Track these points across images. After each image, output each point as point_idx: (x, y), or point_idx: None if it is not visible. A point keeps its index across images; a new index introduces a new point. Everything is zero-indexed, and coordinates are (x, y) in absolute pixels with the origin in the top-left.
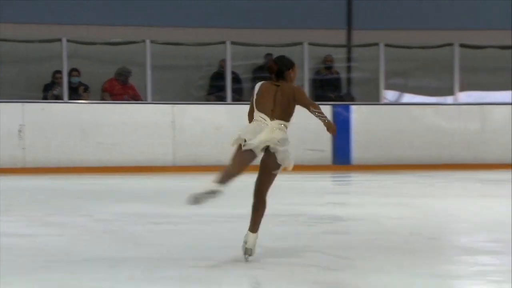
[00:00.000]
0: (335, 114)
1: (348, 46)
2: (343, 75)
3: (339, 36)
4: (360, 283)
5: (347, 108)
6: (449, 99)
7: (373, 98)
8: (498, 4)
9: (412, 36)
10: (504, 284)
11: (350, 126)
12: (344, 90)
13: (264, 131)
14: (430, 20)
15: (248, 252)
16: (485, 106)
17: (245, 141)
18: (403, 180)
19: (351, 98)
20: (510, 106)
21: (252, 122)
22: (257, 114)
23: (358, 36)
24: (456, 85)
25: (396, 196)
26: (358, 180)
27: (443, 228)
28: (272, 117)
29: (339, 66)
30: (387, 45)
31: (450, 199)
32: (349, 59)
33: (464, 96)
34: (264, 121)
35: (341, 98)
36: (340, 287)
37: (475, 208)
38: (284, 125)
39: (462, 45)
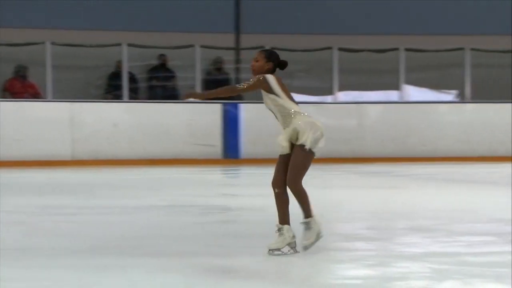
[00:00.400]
0: (225, 112)
1: (237, 49)
2: (232, 76)
3: (229, 39)
4: (248, 268)
5: (236, 106)
6: (329, 98)
7: (260, 97)
8: (370, 9)
9: (296, 40)
10: (377, 267)
11: (239, 123)
12: None
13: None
14: (312, 25)
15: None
16: (361, 104)
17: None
18: None
19: (240, 97)
20: (383, 104)
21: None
22: (298, 108)
23: (246, 40)
24: (335, 86)
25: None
26: (247, 173)
27: (324, 217)
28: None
29: (229, 67)
30: (273, 48)
31: (332, 190)
32: (238, 61)
33: (343, 96)
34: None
35: (230, 97)
36: (231, 273)
37: (353, 198)
38: None
39: (341, 49)
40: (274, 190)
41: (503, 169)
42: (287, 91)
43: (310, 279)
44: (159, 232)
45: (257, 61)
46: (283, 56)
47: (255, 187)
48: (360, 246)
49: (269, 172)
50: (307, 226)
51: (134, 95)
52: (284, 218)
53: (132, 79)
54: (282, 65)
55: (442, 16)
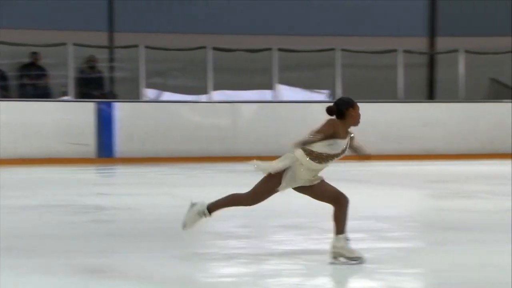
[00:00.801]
0: (98, 111)
1: (110, 47)
2: (106, 74)
3: (102, 38)
4: (123, 267)
5: (110, 105)
6: (203, 97)
7: (135, 96)
8: (244, 9)
9: (170, 39)
10: (251, 265)
11: (113, 122)
12: (107, 88)
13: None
14: (186, 24)
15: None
16: (235, 104)
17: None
18: (164, 171)
19: (114, 96)
20: (257, 104)
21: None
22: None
23: (120, 38)
24: (210, 85)
25: (157, 187)
26: (121, 172)
27: None
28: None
29: (102, 66)
30: (147, 47)
31: (206, 188)
32: (111, 60)
33: (217, 95)
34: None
35: (104, 96)
36: (105, 273)
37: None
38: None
39: (215, 48)
40: None
41: (375, 168)
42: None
43: (184, 278)
44: (32, 233)
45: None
46: (157, 55)
47: (129, 186)
48: (234, 244)
49: (143, 171)
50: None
51: (5, 93)
52: None
53: (2, 76)
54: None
55: (314, 17)
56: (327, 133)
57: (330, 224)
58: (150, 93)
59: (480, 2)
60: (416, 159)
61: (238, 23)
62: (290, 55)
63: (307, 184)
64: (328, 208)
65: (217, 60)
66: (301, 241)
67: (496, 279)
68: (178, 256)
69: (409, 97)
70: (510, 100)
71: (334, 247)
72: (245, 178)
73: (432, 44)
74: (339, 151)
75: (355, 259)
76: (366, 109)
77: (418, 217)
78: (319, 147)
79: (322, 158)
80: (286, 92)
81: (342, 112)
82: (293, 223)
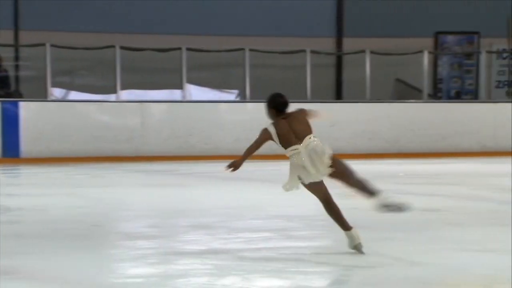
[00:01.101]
0: (3, 110)
1: (16, 46)
2: (11, 73)
3: (8, 36)
4: (32, 268)
5: (15, 104)
6: (112, 96)
7: (41, 95)
8: (154, 8)
9: (77, 37)
10: (159, 265)
11: (19, 122)
12: (12, 87)
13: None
14: (94, 23)
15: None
16: (144, 103)
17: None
18: (72, 171)
19: (20, 95)
20: (166, 103)
21: (291, 161)
22: (288, 151)
23: (26, 37)
24: (118, 84)
25: (65, 187)
26: (27, 172)
27: (107, 216)
28: (300, 141)
29: (8, 64)
30: (53, 46)
31: (114, 188)
32: (17, 58)
33: (126, 94)
34: (297, 150)
35: (9, 95)
36: (13, 273)
37: (136, 196)
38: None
39: (123, 47)
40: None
41: (282, 167)
42: (287, 133)
43: (91, 279)
44: None
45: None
46: (64, 54)
47: (35, 187)
48: (142, 245)
49: (49, 171)
50: None
51: None
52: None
53: None
54: (280, 105)
55: (223, 17)
56: None
57: (238, 224)
58: (56, 92)
59: (386, 3)
60: None
61: (147, 22)
62: (199, 54)
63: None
64: (237, 208)
65: (125, 59)
66: (210, 241)
67: (403, 276)
68: (86, 257)
69: (317, 97)
70: (415, 100)
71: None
72: (153, 179)
73: (339, 45)
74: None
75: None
76: None
77: (325, 215)
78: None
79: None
80: (196, 91)
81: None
82: (201, 223)
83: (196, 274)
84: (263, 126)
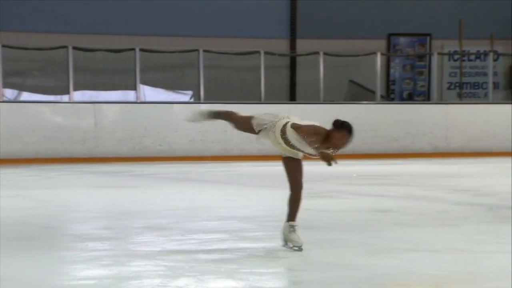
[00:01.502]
0: None
1: None
2: None
3: None
4: None
5: None
6: (65, 97)
7: None
8: (106, 9)
9: (30, 38)
10: (112, 267)
11: None
12: None
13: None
14: (46, 23)
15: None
16: (98, 104)
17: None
18: (24, 173)
19: None
20: (120, 104)
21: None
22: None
23: None
24: (71, 85)
25: (17, 188)
26: None
27: (59, 217)
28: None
29: None
30: (4, 46)
31: (67, 190)
32: None
33: (79, 95)
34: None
35: None
36: None
37: (89, 198)
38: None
39: (76, 48)
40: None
41: (236, 168)
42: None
43: (43, 282)
44: None
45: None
46: (15, 54)
47: None
48: (95, 246)
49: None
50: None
51: None
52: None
53: None
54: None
55: (178, 18)
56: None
57: (192, 225)
58: (8, 93)
59: (339, 5)
60: (278, 159)
61: (100, 23)
62: (153, 55)
63: (276, 147)
64: (191, 209)
65: (78, 60)
66: (163, 242)
67: (354, 277)
68: (36, 259)
69: (271, 99)
70: (368, 102)
71: (282, 232)
72: (107, 180)
73: (293, 46)
74: (300, 150)
75: (296, 247)
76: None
77: (278, 216)
78: (292, 136)
79: (287, 143)
80: (150, 92)
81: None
82: (155, 224)
83: (150, 275)
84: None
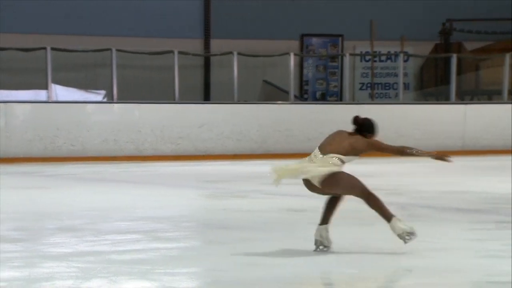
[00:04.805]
0: None
1: None
2: None
3: None
4: None
5: None
6: None
7: None
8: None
9: None
10: (23, 269)
11: None
12: None
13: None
14: None
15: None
16: (8, 104)
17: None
18: None
19: None
20: (31, 104)
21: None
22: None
23: None
24: None
25: None
26: None
27: None
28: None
29: None
30: None
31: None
32: None
33: None
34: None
35: None
36: None
37: (1, 199)
38: (337, 158)
39: None
40: None
41: (151, 168)
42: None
43: None
44: None
45: None
46: None
47: None
48: (6, 248)
49: None
50: None
51: None
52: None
53: None
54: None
55: (90, 17)
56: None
57: (105, 226)
58: None
59: (253, 5)
60: (192, 159)
61: (11, 21)
62: (65, 54)
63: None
64: (104, 210)
65: None
66: (76, 243)
67: (271, 276)
68: None
69: (186, 98)
70: (282, 102)
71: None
72: (18, 181)
73: (207, 46)
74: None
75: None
76: (143, 110)
77: (193, 217)
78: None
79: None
80: (62, 92)
81: (364, 134)
82: (68, 225)
83: (62, 277)
84: (131, 127)
